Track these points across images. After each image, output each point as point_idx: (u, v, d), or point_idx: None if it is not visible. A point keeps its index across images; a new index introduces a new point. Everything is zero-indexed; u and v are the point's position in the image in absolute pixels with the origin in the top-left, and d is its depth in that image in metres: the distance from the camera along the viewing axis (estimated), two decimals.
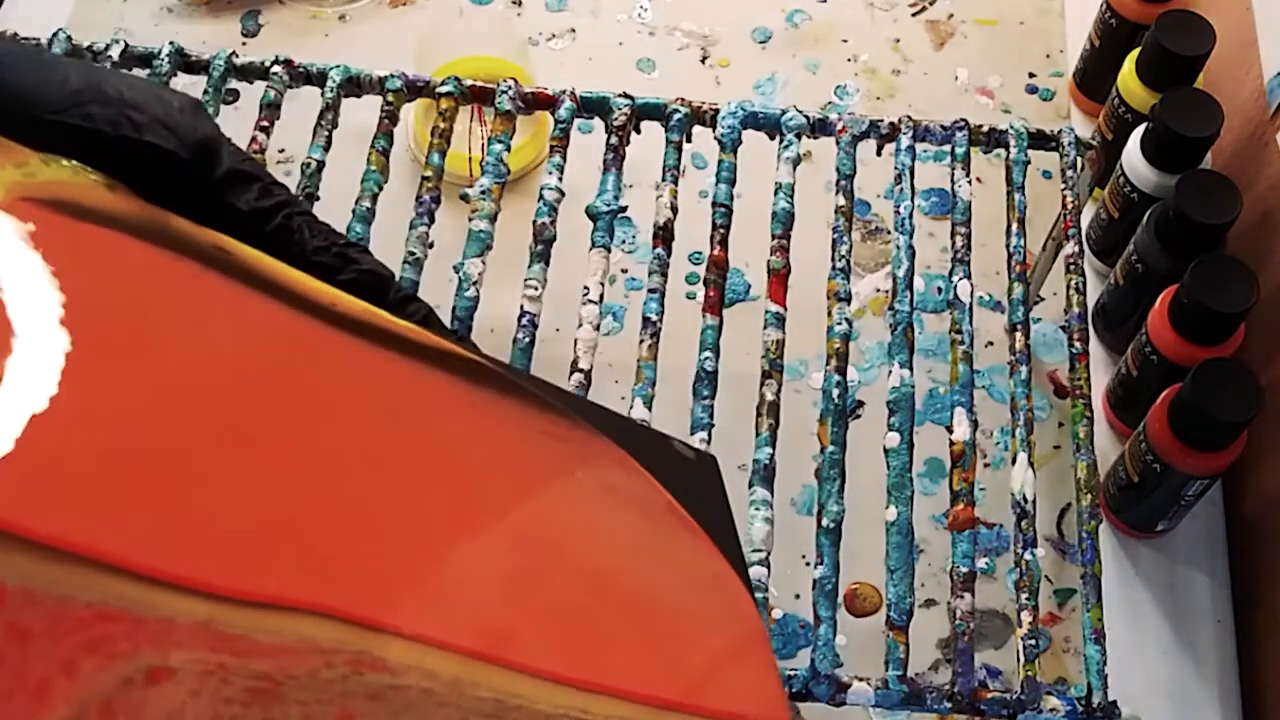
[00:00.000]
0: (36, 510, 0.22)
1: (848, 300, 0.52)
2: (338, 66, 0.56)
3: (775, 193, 0.54)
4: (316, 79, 0.56)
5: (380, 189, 0.54)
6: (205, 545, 0.25)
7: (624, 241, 0.69)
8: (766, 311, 0.51)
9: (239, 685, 0.23)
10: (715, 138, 0.55)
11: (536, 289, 0.51)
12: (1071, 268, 0.53)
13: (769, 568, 0.46)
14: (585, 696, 0.30)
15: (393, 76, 0.56)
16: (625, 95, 0.56)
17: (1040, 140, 0.56)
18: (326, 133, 0.55)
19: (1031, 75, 0.76)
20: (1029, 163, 0.55)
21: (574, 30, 0.77)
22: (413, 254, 0.51)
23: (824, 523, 0.47)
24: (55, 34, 0.57)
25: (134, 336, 0.27)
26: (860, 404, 0.64)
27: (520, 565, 0.32)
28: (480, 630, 0.29)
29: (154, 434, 0.26)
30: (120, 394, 0.26)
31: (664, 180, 0.54)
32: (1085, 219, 0.65)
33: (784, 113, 0.55)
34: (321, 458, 0.29)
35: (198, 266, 0.30)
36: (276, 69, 0.56)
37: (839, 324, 0.51)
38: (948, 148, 0.56)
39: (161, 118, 0.33)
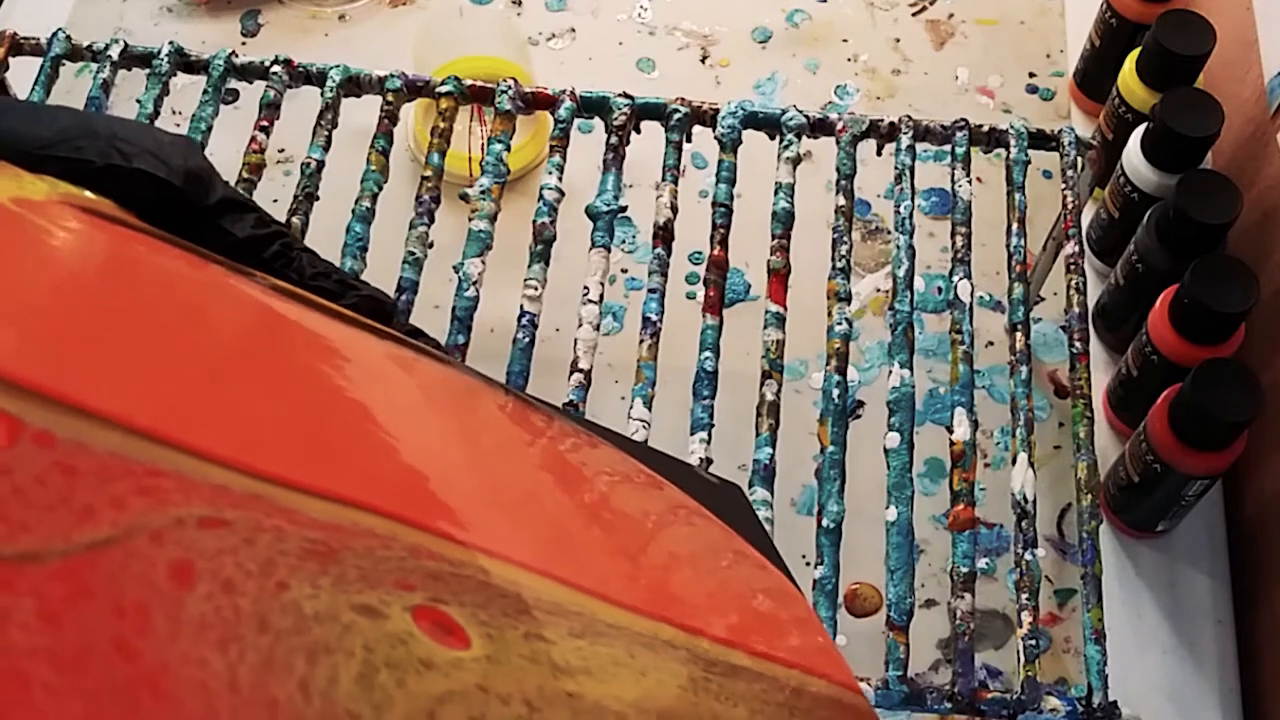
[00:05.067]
0: (90, 389, 0.23)
1: (848, 300, 0.52)
2: (337, 66, 0.56)
3: (775, 193, 0.54)
4: (316, 79, 0.56)
5: (380, 189, 0.54)
6: (258, 441, 0.25)
7: (624, 241, 0.69)
8: (766, 311, 0.51)
9: (295, 544, 0.23)
10: (715, 137, 0.55)
11: (536, 289, 0.51)
12: (1072, 268, 0.53)
13: None
14: (672, 629, 0.30)
15: (392, 76, 0.56)
16: (625, 95, 0.56)
17: (1040, 140, 0.56)
18: (326, 133, 0.55)
19: (1032, 75, 0.76)
20: (1029, 162, 0.55)
21: (574, 30, 0.77)
22: (413, 254, 0.51)
23: (824, 523, 0.47)
24: (55, 34, 0.57)
25: (185, 293, 0.29)
26: (860, 404, 0.64)
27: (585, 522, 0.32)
28: (546, 555, 0.29)
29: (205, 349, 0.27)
30: (184, 323, 0.28)
31: (664, 180, 0.54)
32: (1085, 219, 0.65)
33: (784, 112, 0.55)
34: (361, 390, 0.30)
35: (222, 270, 0.30)
36: (276, 69, 0.56)
37: (839, 324, 0.51)
38: (948, 147, 0.56)
39: (151, 148, 0.34)
